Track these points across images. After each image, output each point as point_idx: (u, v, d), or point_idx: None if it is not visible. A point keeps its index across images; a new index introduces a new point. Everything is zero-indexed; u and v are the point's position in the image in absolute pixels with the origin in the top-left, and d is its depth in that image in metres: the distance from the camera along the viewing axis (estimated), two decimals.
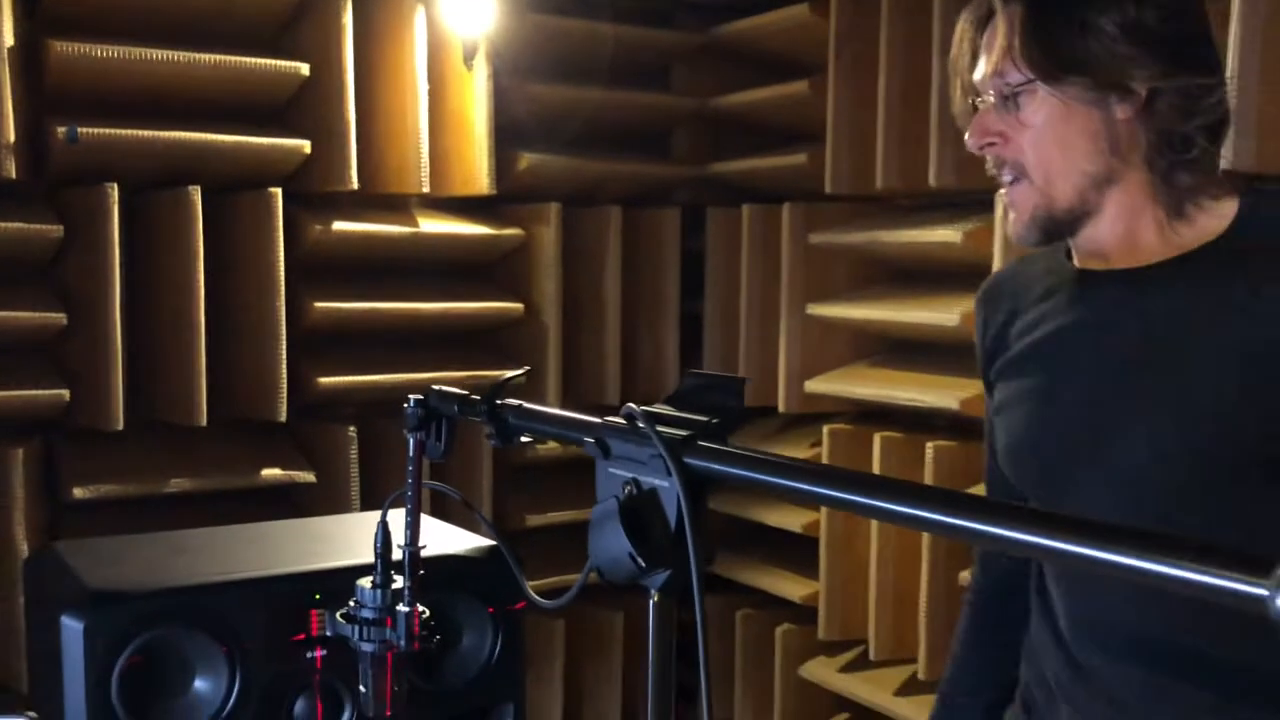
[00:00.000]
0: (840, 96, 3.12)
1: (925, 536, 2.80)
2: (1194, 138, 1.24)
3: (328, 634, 1.55)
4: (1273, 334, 1.17)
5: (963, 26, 1.34)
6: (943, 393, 2.79)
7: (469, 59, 3.18)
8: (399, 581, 1.38)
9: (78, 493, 2.72)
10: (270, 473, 2.95)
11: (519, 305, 3.34)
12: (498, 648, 1.74)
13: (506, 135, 3.25)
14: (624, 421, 1.03)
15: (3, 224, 2.59)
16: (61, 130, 2.63)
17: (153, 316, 2.83)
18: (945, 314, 2.73)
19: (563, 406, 1.34)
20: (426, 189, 3.10)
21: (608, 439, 1.05)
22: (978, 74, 1.31)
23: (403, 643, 1.37)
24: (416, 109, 3.06)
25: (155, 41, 2.73)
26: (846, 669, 3.21)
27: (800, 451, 3.30)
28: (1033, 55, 1.24)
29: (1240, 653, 1.23)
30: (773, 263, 3.34)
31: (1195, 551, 0.63)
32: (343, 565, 1.63)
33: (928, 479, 2.78)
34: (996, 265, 2.53)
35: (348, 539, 1.82)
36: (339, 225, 3.01)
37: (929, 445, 2.80)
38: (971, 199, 2.76)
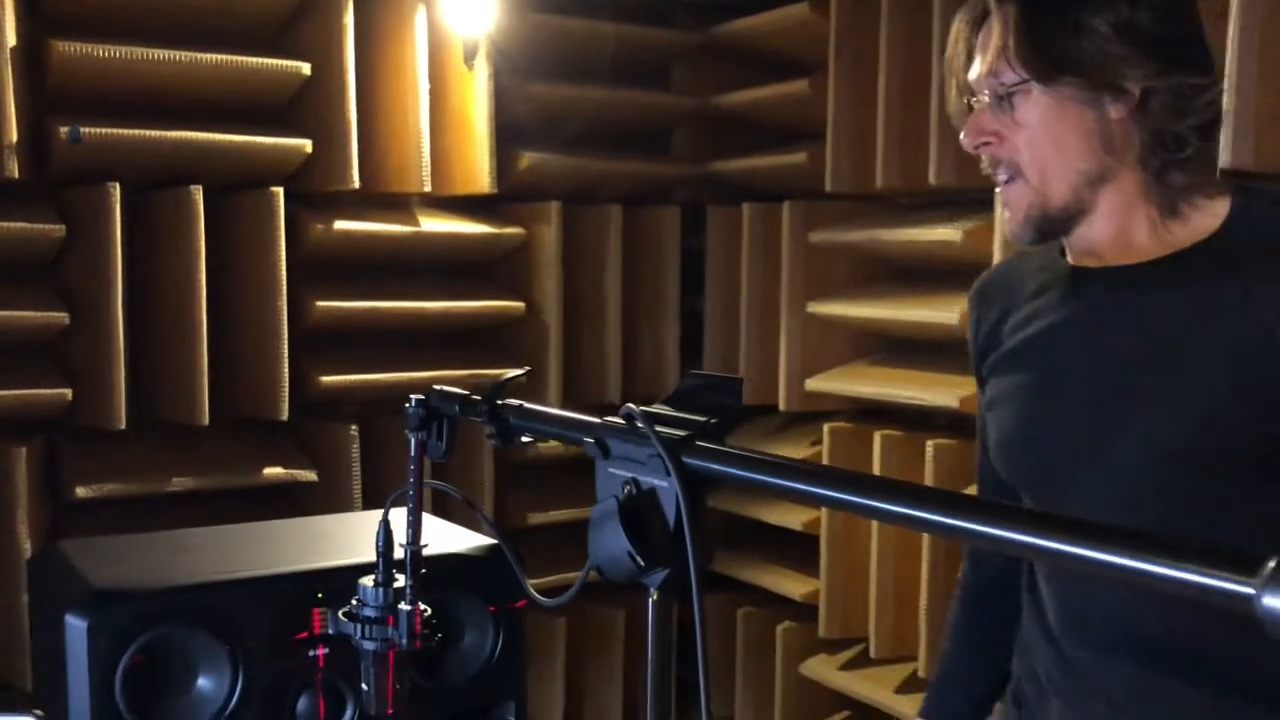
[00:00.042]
0: (840, 95, 3.12)
1: (925, 535, 2.81)
2: (1187, 137, 1.25)
3: (330, 632, 1.56)
4: (1265, 332, 1.18)
5: (958, 26, 1.34)
6: (943, 391, 2.79)
7: (470, 58, 3.18)
8: (401, 580, 1.39)
9: (80, 492, 2.72)
10: (272, 471, 2.95)
11: (520, 304, 3.35)
12: (499, 646, 1.75)
13: (507, 134, 3.26)
14: (623, 422, 1.04)
15: (5, 224, 2.60)
16: (64, 130, 2.64)
17: (155, 316, 2.83)
18: (945, 312, 2.74)
19: (564, 404, 1.35)
20: (428, 188, 3.10)
21: (607, 439, 1.06)
22: (973, 74, 1.32)
23: (404, 641, 1.37)
24: (417, 108, 3.07)
25: (157, 41, 2.74)
26: (847, 666, 3.21)
27: (801, 450, 3.30)
28: (1027, 55, 1.25)
29: (1229, 649, 1.24)
30: (773, 261, 3.34)
31: (1184, 551, 0.63)
32: (345, 564, 1.63)
33: (928, 477, 2.79)
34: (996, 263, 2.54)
35: (350, 538, 1.83)
36: (340, 224, 3.01)
37: (929, 443, 2.81)
38: (971, 198, 2.77)
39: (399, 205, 3.19)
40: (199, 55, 2.77)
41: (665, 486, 0.99)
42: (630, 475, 1.02)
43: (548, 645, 3.43)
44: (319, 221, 2.98)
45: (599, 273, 3.48)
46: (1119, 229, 1.29)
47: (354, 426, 3.02)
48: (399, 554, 1.39)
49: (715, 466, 0.96)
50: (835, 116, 3.13)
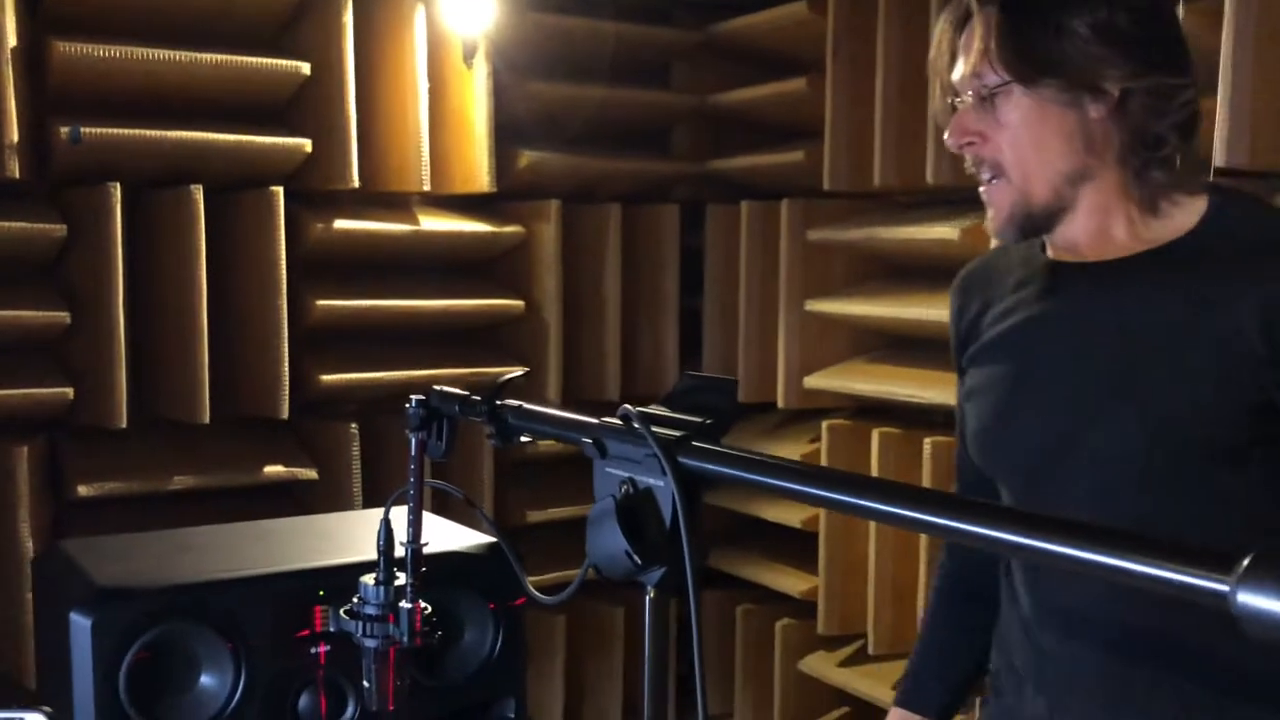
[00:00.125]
0: (838, 94, 3.13)
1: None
2: (1166, 136, 1.28)
3: (331, 630, 1.57)
4: (1239, 326, 1.20)
5: (942, 27, 1.36)
6: (940, 388, 2.80)
7: (469, 57, 3.19)
8: (401, 578, 1.40)
9: (82, 490, 2.73)
10: (273, 470, 2.96)
11: (519, 302, 3.36)
12: (499, 643, 1.76)
13: (506, 133, 3.26)
14: (620, 422, 1.05)
15: (6, 223, 2.61)
16: (64, 130, 2.65)
17: (155, 315, 2.84)
18: (942, 310, 2.72)
19: (563, 402, 1.36)
20: (427, 187, 3.11)
21: (605, 439, 1.07)
22: (956, 75, 1.34)
23: (405, 638, 1.38)
24: (417, 107, 3.08)
25: (157, 41, 2.74)
26: (846, 663, 3.23)
27: (799, 447, 3.31)
28: (1008, 57, 1.27)
29: (1205, 642, 1.26)
30: (771, 259, 3.35)
31: (1161, 549, 0.65)
32: (346, 562, 1.65)
33: (925, 474, 2.80)
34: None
35: (351, 536, 1.85)
36: (340, 223, 3.02)
37: (926, 440, 2.82)
38: (968, 196, 2.73)
39: (398, 204, 3.20)
40: (199, 55, 2.78)
41: (661, 486, 1.00)
42: (627, 475, 1.04)
43: (547, 642, 3.44)
44: (319, 220, 2.99)
45: (598, 271, 3.49)
46: (1099, 226, 1.31)
47: (354, 425, 3.03)
48: (400, 552, 1.40)
49: (710, 466, 0.98)
50: (833, 115, 3.14)
